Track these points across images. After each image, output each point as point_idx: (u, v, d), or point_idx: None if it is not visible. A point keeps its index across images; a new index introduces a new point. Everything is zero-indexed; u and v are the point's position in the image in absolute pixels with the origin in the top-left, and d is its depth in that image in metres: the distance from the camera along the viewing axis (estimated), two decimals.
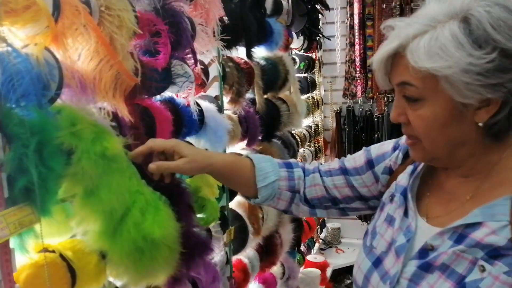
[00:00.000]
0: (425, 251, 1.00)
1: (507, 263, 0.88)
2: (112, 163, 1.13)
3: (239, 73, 1.97)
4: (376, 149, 1.28)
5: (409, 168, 1.17)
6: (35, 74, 0.97)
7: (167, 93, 1.56)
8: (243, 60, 2.06)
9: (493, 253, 0.90)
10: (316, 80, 3.39)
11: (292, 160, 1.39)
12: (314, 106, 3.34)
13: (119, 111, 1.23)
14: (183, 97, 1.62)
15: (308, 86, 3.10)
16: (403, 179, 1.16)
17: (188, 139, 1.66)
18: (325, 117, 3.59)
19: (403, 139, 1.22)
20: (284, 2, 2.57)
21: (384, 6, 3.44)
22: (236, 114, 1.99)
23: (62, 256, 1.10)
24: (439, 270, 0.95)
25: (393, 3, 3.42)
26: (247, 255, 2.14)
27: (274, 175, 1.30)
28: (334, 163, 1.34)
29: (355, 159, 1.31)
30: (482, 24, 0.88)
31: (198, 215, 1.65)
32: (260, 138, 2.27)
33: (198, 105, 1.64)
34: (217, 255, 1.86)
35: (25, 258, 1.04)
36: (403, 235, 1.06)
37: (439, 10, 0.94)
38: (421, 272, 0.98)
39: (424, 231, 1.03)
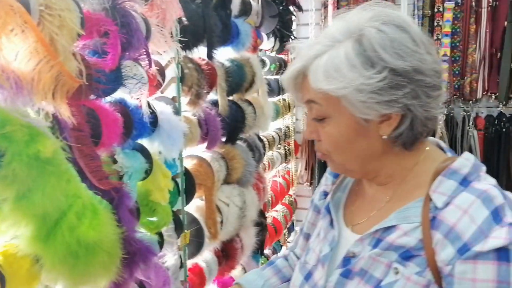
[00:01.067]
0: (347, 258, 1.03)
1: (418, 263, 0.92)
2: (47, 165, 1.10)
3: (199, 75, 1.94)
4: (314, 194, 1.33)
5: (336, 187, 1.22)
6: None
7: (119, 95, 1.54)
8: (204, 61, 2.04)
9: (406, 255, 0.94)
10: None
11: (273, 258, 1.43)
12: (286, 108, 3.32)
13: (60, 113, 1.21)
14: (136, 99, 1.59)
15: (279, 88, 3.09)
16: (329, 197, 1.20)
17: (140, 141, 1.63)
18: (297, 119, 3.57)
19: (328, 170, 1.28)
20: (253, 3, 2.55)
21: None
22: (195, 116, 1.97)
23: None
24: (358, 276, 0.98)
25: None
26: (205, 259, 2.12)
27: (259, 278, 1.32)
28: (297, 237, 1.38)
29: (307, 217, 1.33)
30: (372, 44, 0.92)
31: (150, 219, 1.63)
32: (223, 140, 2.25)
33: (151, 107, 1.61)
34: (170, 259, 1.84)
35: None
36: (327, 245, 1.09)
37: (339, 29, 0.97)
38: (342, 279, 1.01)
39: (348, 239, 1.06)
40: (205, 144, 2.07)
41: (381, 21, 0.94)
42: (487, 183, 0.94)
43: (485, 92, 3.34)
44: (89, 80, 1.27)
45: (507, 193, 0.93)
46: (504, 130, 3.33)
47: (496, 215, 0.87)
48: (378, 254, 0.97)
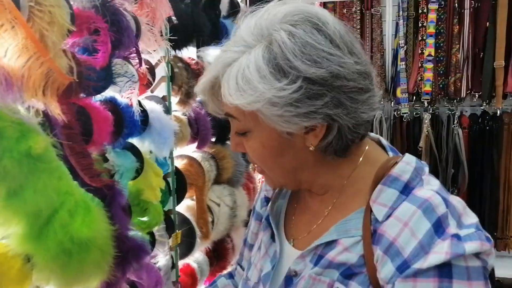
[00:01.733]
0: (289, 277, 0.94)
1: (360, 282, 0.85)
2: (38, 162, 1.09)
3: (189, 74, 1.94)
4: (255, 202, 1.23)
5: (276, 191, 1.12)
6: None
7: (109, 93, 1.53)
8: (194, 61, 2.03)
9: (347, 272, 0.86)
10: None
11: (217, 277, 1.33)
12: None
13: (50, 110, 1.19)
14: (127, 98, 1.58)
15: None
16: (269, 206, 1.11)
17: (130, 140, 1.62)
18: None
19: None
20: (241, 4, 2.55)
21: (345, 11, 3.47)
22: (185, 115, 1.96)
23: None
24: None
25: (354, 8, 3.44)
26: (196, 259, 2.11)
27: None
28: (241, 249, 1.27)
29: (249, 227, 1.22)
30: (283, 50, 0.81)
31: (141, 218, 1.62)
32: (213, 140, 2.25)
33: (141, 105, 1.60)
34: (162, 259, 1.83)
35: None
36: (269, 262, 1.00)
37: (251, 30, 0.86)
38: None
39: (290, 255, 0.97)
40: (195, 144, 2.06)
41: (293, 21, 0.83)
42: (429, 188, 0.85)
43: (469, 91, 3.39)
44: (79, 77, 1.26)
45: (452, 198, 0.86)
46: (487, 128, 3.39)
47: (438, 227, 0.79)
48: (319, 273, 0.89)
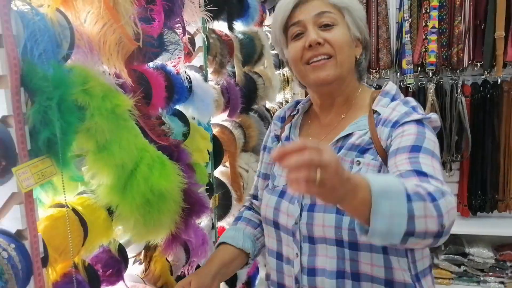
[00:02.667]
0: None
1: (371, 153, 1.25)
2: (120, 120, 1.18)
3: (221, 45, 2.03)
4: (264, 140, 1.59)
5: (288, 125, 1.48)
6: (52, 32, 1.02)
7: (158, 61, 1.61)
8: (224, 33, 2.12)
9: (362, 149, 1.26)
10: None
11: (238, 213, 1.63)
12: (285, 82, 3.42)
13: (121, 74, 1.28)
14: (173, 66, 1.66)
15: (279, 63, 3.18)
16: (285, 133, 1.47)
17: (177, 106, 1.71)
18: (294, 93, 3.68)
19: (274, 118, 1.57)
20: None
21: None
22: (218, 85, 2.05)
23: (74, 210, 1.15)
24: None
25: None
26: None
27: (237, 231, 1.49)
28: (255, 182, 1.59)
29: (261, 160, 1.57)
30: None
31: None
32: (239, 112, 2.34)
33: (186, 73, 1.69)
34: (204, 221, 1.93)
35: (42, 210, 1.10)
36: None
37: None
38: None
39: None
40: (227, 112, 2.15)
41: None
42: (408, 98, 1.33)
43: (471, 61, 3.50)
44: (143, 44, 1.35)
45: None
46: (488, 96, 3.52)
47: (413, 109, 1.26)
48: (344, 154, 1.27)
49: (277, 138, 1.51)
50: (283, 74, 3.44)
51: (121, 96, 1.19)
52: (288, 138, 1.45)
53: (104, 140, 1.14)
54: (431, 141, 1.18)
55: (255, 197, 1.58)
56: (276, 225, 1.37)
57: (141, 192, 1.20)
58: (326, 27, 1.30)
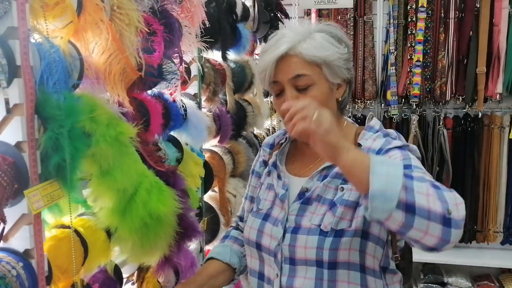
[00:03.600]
0: (302, 193, 1.37)
1: None
2: (123, 147, 1.25)
3: (215, 74, 2.11)
4: (253, 164, 1.66)
5: (275, 152, 1.53)
6: (64, 63, 1.09)
7: (155, 89, 1.68)
8: (217, 62, 2.20)
9: (346, 178, 1.30)
10: None
11: (226, 232, 1.69)
12: (272, 110, 3.51)
13: (124, 102, 1.35)
14: (169, 93, 1.74)
15: (267, 90, 3.27)
16: (272, 159, 1.52)
17: (172, 133, 1.78)
18: (280, 120, 3.77)
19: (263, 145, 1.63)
20: (250, 10, 2.73)
21: (339, 17, 3.68)
22: (211, 112, 2.13)
23: (76, 231, 1.21)
24: (315, 201, 1.34)
25: (347, 15, 3.66)
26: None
27: (225, 247, 1.57)
28: (243, 205, 1.67)
29: (249, 183, 1.63)
30: (336, 33, 1.36)
31: None
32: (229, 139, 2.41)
33: (181, 101, 1.77)
34: (193, 244, 1.98)
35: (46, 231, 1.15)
36: (281, 189, 1.42)
37: (308, 27, 1.36)
38: (303, 206, 1.35)
39: (297, 183, 1.41)
40: (217, 138, 2.23)
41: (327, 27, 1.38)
42: (391, 130, 1.39)
43: (453, 94, 3.63)
44: (145, 74, 1.42)
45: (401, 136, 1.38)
46: (469, 129, 3.65)
47: (393, 139, 1.33)
48: (329, 182, 1.34)
49: (265, 163, 1.57)
50: (270, 102, 3.53)
51: (125, 124, 1.26)
52: (274, 165, 1.50)
53: (107, 165, 1.20)
54: (418, 162, 1.24)
55: (241, 218, 1.65)
56: (259, 247, 1.42)
57: (139, 215, 1.26)
58: (302, 90, 1.31)
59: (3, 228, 0.97)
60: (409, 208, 1.01)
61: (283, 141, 1.57)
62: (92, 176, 1.21)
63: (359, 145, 1.37)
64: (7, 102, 0.99)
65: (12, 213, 1.02)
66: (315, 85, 1.32)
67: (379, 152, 1.30)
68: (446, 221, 1.02)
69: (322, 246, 1.28)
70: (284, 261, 1.35)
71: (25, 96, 1.00)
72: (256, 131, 3.07)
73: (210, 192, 2.26)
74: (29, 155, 1.01)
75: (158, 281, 1.61)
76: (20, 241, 1.04)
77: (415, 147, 1.32)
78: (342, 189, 1.32)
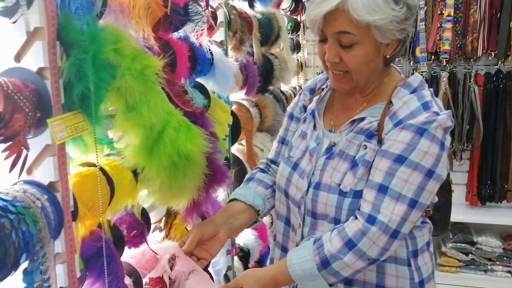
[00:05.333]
0: (329, 148, 1.37)
1: (376, 139, 1.30)
2: (149, 82, 1.19)
3: (242, 22, 2.03)
4: (289, 106, 1.63)
5: (316, 98, 1.50)
6: None
7: (181, 32, 1.62)
8: (244, 10, 2.12)
9: (369, 134, 1.31)
10: (300, 42, 3.48)
11: (249, 175, 1.63)
12: (299, 67, 3.43)
13: (149, 38, 1.29)
14: (196, 38, 1.67)
15: (294, 47, 3.19)
16: (311, 106, 1.49)
17: (198, 79, 1.72)
18: (306, 79, 3.68)
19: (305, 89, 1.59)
20: None
21: None
22: (237, 62, 2.06)
23: (102, 169, 1.17)
24: (338, 156, 1.34)
25: None
26: None
27: (248, 189, 1.52)
28: (274, 145, 1.63)
29: (283, 125, 1.60)
30: None
31: None
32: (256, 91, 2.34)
33: (208, 46, 1.70)
34: (221, 194, 1.94)
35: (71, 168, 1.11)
36: (314, 142, 1.41)
37: None
38: (327, 160, 1.35)
39: (329, 136, 1.40)
40: (244, 90, 2.16)
41: None
42: (427, 90, 1.33)
43: (485, 50, 3.50)
44: (167, 12, 1.35)
45: (437, 98, 1.32)
46: (501, 86, 3.52)
47: (425, 106, 1.26)
48: (353, 137, 1.32)
49: (305, 108, 1.53)
50: (297, 60, 3.44)
51: (150, 58, 1.20)
52: (313, 113, 1.46)
53: (133, 100, 1.15)
54: (421, 152, 1.22)
55: (272, 161, 1.61)
56: (286, 195, 1.44)
57: (167, 154, 1.21)
58: (346, 47, 1.26)
59: (26, 156, 0.92)
60: (342, 279, 1.29)
61: (324, 86, 1.52)
62: (118, 112, 1.16)
63: (391, 103, 1.32)
64: (27, 25, 0.93)
65: (35, 144, 0.97)
66: (359, 44, 1.26)
67: (397, 124, 1.26)
68: (372, 262, 1.26)
69: (341, 206, 1.30)
70: (307, 214, 1.38)
71: (46, 19, 0.94)
72: (284, 87, 2.99)
73: (237, 146, 2.20)
74: (51, 83, 0.96)
75: (186, 229, 1.58)
76: (44, 173, 0.99)
77: (444, 116, 1.24)
78: (365, 147, 1.30)
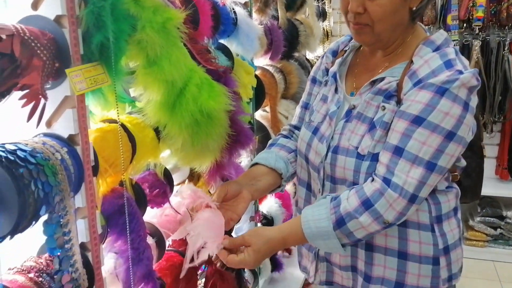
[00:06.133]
0: (349, 111, 1.32)
1: (395, 100, 1.24)
2: (170, 36, 1.15)
3: None
4: (312, 70, 1.58)
5: (338, 60, 1.43)
6: None
7: None
8: None
9: (388, 95, 1.25)
10: (326, 10, 3.40)
11: (271, 141, 1.59)
12: (324, 36, 3.35)
13: None
14: None
15: (320, 15, 3.11)
16: (333, 68, 1.43)
17: (221, 41, 1.68)
18: None
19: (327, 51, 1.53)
20: None
21: None
22: (261, 25, 2.00)
23: (123, 126, 1.14)
24: (356, 118, 1.29)
25: None
26: None
27: (270, 153, 1.48)
28: (297, 110, 1.60)
29: (306, 90, 1.56)
30: None
31: None
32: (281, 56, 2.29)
33: (232, 6, 1.65)
34: (244, 160, 1.91)
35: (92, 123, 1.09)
36: (334, 105, 1.36)
37: None
38: (345, 124, 1.31)
39: (350, 99, 1.34)
40: (269, 55, 2.11)
41: None
42: (451, 47, 1.25)
43: None
44: None
45: (462, 57, 1.24)
46: None
47: (448, 64, 1.19)
48: (371, 98, 1.27)
49: (327, 71, 1.48)
50: (323, 28, 3.36)
51: (172, 11, 1.16)
52: (334, 76, 1.41)
53: (154, 54, 1.11)
54: (441, 113, 1.15)
55: (296, 127, 1.57)
56: (307, 160, 1.41)
57: (190, 111, 1.17)
58: None
59: (44, 105, 0.90)
60: (356, 241, 1.25)
61: (347, 48, 1.46)
62: (139, 67, 1.12)
63: (412, 62, 1.25)
64: None
65: (54, 95, 0.95)
66: None
67: (417, 83, 1.19)
68: (387, 227, 1.21)
69: (359, 169, 1.26)
70: (326, 179, 1.35)
71: None
72: (309, 55, 2.93)
73: (261, 112, 2.16)
74: (70, 32, 0.93)
75: (209, 192, 1.55)
76: (64, 126, 0.97)
77: (468, 75, 1.16)
78: (384, 108, 1.24)
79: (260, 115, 2.15)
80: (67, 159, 0.93)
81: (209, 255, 1.25)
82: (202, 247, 1.24)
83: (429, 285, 1.29)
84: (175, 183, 1.44)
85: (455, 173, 1.37)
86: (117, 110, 1.06)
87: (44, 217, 0.90)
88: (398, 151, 1.19)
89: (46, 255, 0.98)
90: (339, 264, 1.37)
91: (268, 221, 2.17)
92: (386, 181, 1.18)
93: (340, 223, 1.21)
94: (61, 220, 0.92)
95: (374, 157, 1.24)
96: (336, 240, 1.22)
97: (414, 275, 1.28)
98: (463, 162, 1.36)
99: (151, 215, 1.36)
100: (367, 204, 1.19)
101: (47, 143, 0.92)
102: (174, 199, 1.38)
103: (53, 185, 0.88)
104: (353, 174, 1.27)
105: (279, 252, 2.36)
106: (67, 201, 0.93)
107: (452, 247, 1.32)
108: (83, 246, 1.03)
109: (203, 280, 1.58)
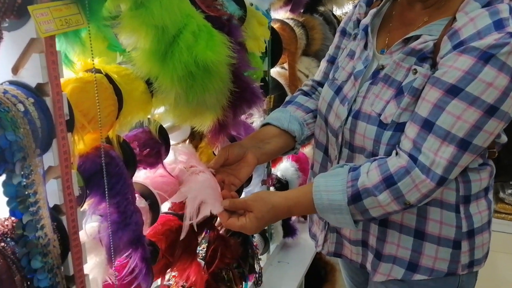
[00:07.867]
0: (377, 71, 1.17)
1: (429, 63, 1.08)
2: None
3: None
4: (342, 21, 1.43)
5: (372, 10, 1.27)
6: None
7: None
8: None
9: (422, 56, 1.09)
10: None
11: (288, 98, 1.47)
12: None
13: None
14: None
15: None
16: (366, 20, 1.27)
17: None
18: None
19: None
20: None
21: None
22: None
23: (108, 77, 1.02)
24: (382, 81, 1.15)
25: None
26: None
27: (284, 113, 1.36)
28: (322, 64, 1.46)
29: (334, 42, 1.43)
30: None
31: None
32: (303, 9, 2.13)
33: None
34: (256, 121, 1.78)
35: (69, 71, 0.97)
36: (361, 63, 1.22)
37: None
38: (370, 86, 1.17)
39: (379, 58, 1.19)
40: (289, 7, 1.95)
41: None
42: (506, 3, 1.04)
43: None
44: None
45: None
46: None
47: (498, 25, 0.99)
48: (402, 59, 1.11)
49: (358, 22, 1.32)
50: None
51: None
52: (366, 29, 1.25)
53: None
54: (482, 83, 0.98)
55: (320, 83, 1.43)
56: (326, 122, 1.30)
57: (183, 61, 1.04)
58: None
59: None
60: (370, 219, 1.14)
61: None
62: (124, 9, 0.99)
63: (455, 19, 1.07)
64: None
65: (18, 37, 0.83)
66: None
67: (458, 45, 1.02)
68: (407, 208, 1.08)
69: (379, 139, 1.13)
70: (344, 145, 1.24)
71: None
72: (337, 11, 2.74)
73: (278, 69, 2.02)
74: None
75: (213, 153, 1.43)
76: (32, 74, 0.85)
77: None
78: (415, 71, 1.09)
79: (277, 72, 2.00)
80: (32, 110, 0.82)
81: (212, 220, 1.15)
82: (203, 202, 1.14)
83: (446, 269, 1.15)
84: (174, 142, 1.32)
85: (493, 150, 1.19)
86: (92, 57, 0.93)
87: (3, 177, 0.80)
88: (427, 125, 1.04)
89: (14, 218, 0.88)
90: (349, 237, 1.25)
91: (282, 185, 2.05)
92: (413, 159, 1.05)
93: (356, 198, 1.09)
94: (24, 180, 0.81)
95: (398, 127, 1.10)
96: (349, 216, 1.10)
97: (430, 257, 1.15)
98: (504, 138, 1.18)
99: (145, 176, 1.25)
100: (389, 181, 1.06)
101: (9, 92, 0.81)
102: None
103: (11, 141, 0.77)
104: (372, 144, 1.15)
105: (293, 217, 2.25)
106: (31, 159, 0.81)
107: (478, 231, 1.18)
108: (57, 209, 0.92)
109: (203, 246, 1.48)
